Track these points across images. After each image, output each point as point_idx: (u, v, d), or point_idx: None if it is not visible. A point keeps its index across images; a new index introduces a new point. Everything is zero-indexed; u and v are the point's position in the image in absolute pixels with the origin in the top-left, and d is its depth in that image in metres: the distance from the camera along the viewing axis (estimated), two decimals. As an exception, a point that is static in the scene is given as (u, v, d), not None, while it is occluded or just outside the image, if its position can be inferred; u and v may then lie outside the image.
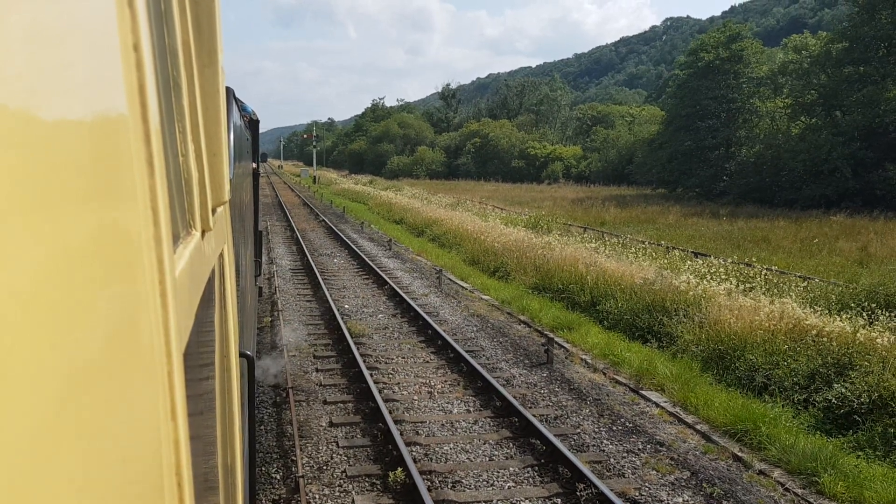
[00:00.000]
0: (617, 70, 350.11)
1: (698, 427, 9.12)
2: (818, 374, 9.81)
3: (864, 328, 10.58)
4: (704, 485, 7.56)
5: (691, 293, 13.30)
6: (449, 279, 19.42)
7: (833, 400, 9.12)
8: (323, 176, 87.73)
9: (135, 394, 0.77)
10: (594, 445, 8.62)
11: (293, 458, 8.07)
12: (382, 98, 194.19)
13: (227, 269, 2.55)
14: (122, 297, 0.74)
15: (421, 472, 7.54)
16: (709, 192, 50.38)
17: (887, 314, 11.18)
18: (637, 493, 7.38)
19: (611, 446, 8.59)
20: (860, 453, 8.13)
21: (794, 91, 47.44)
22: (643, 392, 10.41)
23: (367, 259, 22.04)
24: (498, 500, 7.21)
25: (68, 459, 0.53)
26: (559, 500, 7.22)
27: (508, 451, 8.38)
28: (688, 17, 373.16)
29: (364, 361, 11.39)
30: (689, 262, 17.54)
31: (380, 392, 10.02)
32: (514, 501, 7.20)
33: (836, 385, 9.33)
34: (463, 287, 18.61)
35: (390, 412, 9.24)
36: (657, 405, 9.91)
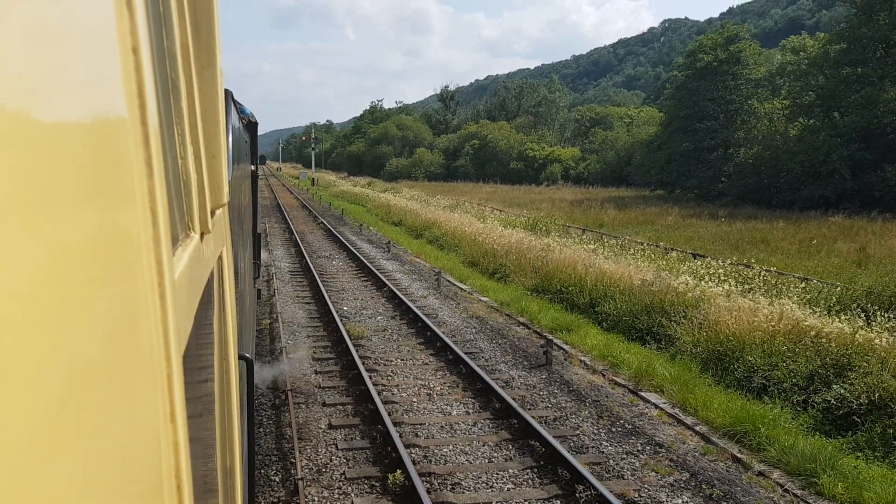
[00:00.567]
0: (615, 72, 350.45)
1: (697, 428, 9.12)
2: (817, 375, 9.81)
3: (862, 329, 10.58)
4: (704, 486, 7.56)
5: (690, 294, 13.31)
6: (448, 281, 19.41)
7: (832, 401, 9.12)
8: (321, 178, 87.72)
9: (134, 396, 0.77)
10: (593, 447, 8.62)
11: (292, 460, 8.07)
12: (381, 100, 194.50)
13: (225, 272, 2.55)
14: (121, 298, 0.74)
15: (420, 474, 7.53)
16: (707, 194, 50.43)
17: (886, 315, 11.19)
18: (636, 495, 7.38)
19: (610, 448, 8.59)
20: (859, 454, 8.13)
21: (793, 92, 47.49)
22: (642, 393, 10.41)
23: (365, 261, 22.03)
24: (497, 501, 7.20)
25: (67, 461, 0.53)
26: (558, 502, 7.21)
27: (508, 452, 8.38)
28: (686, 18, 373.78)
29: (363, 363, 11.39)
30: (687, 264, 17.55)
31: (379, 394, 10.01)
32: (513, 503, 7.20)
33: (835, 386, 9.33)
34: (462, 289, 18.61)
35: (389, 414, 9.24)
36: (656, 406, 9.91)
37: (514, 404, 9.41)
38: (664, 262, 18.09)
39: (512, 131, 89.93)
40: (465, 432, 8.99)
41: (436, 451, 8.41)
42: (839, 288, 14.72)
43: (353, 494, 7.35)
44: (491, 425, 9.20)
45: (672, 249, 22.09)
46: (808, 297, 14.04)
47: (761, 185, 44.89)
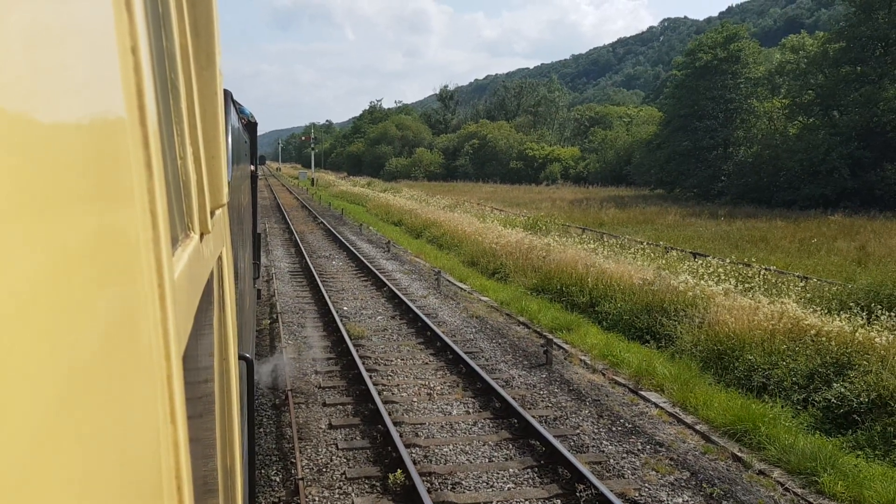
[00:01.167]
0: (614, 71, 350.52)
1: (698, 427, 9.12)
2: (817, 374, 9.81)
3: (862, 328, 10.58)
4: (704, 485, 7.56)
5: (690, 293, 13.31)
6: (448, 281, 19.41)
7: (832, 399, 9.12)
8: (321, 178, 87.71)
9: (134, 396, 0.77)
10: (594, 446, 8.62)
11: (293, 460, 8.07)
12: (380, 100, 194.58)
13: (225, 272, 2.55)
14: (120, 299, 0.74)
15: (420, 474, 7.53)
16: (707, 193, 50.43)
17: (886, 314, 11.19)
18: (637, 494, 7.38)
19: (610, 447, 8.59)
20: (859, 453, 8.13)
21: (792, 91, 47.52)
22: (642, 392, 10.41)
23: (365, 261, 22.03)
24: (497, 501, 7.20)
25: (67, 462, 0.53)
26: (559, 501, 7.21)
27: (508, 452, 8.38)
28: (685, 17, 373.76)
29: (363, 363, 11.39)
30: (687, 263, 17.56)
31: (379, 394, 10.01)
32: (513, 502, 7.20)
33: (835, 385, 9.33)
34: (462, 288, 18.61)
35: (389, 414, 9.24)
36: (656, 406, 9.91)
37: (515, 404, 9.41)
38: (664, 262, 18.09)
39: (511, 131, 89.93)
40: (465, 432, 8.99)
41: (436, 450, 8.42)
42: (839, 287, 14.72)
43: (353, 494, 7.35)
44: (491, 425, 9.20)
45: (672, 248, 22.09)
46: (808, 295, 14.05)
47: (761, 184, 44.90)
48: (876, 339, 9.94)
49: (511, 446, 8.52)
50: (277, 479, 7.70)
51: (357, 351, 12.09)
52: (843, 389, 9.11)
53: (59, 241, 0.55)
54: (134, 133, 0.84)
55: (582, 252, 18.83)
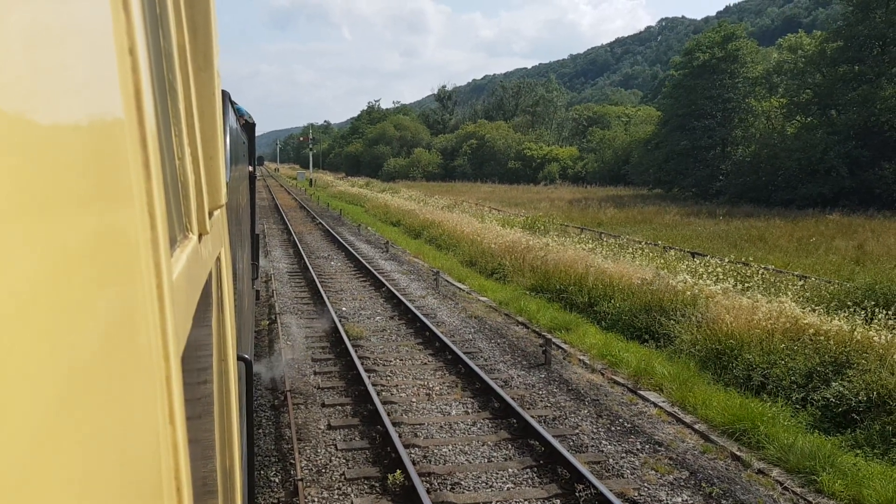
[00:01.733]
0: (612, 70, 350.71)
1: (697, 427, 9.12)
2: (816, 373, 9.82)
3: (861, 326, 10.59)
4: (703, 484, 7.56)
5: (689, 293, 13.32)
6: (446, 281, 19.41)
7: (831, 398, 9.13)
8: (319, 179, 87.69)
9: (133, 397, 0.77)
10: (593, 446, 8.62)
11: (292, 461, 8.06)
12: (378, 100, 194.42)
13: (224, 273, 2.54)
14: (119, 300, 0.74)
15: (420, 474, 7.53)
16: (705, 192, 50.48)
17: (885, 312, 11.20)
18: (636, 494, 7.39)
19: (609, 447, 8.60)
20: (858, 451, 8.13)
21: (790, 90, 47.58)
22: (641, 392, 10.42)
23: (364, 261, 22.03)
24: (497, 501, 7.20)
25: (66, 463, 0.53)
26: (558, 501, 7.22)
27: (507, 452, 8.38)
28: (683, 17, 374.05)
29: (362, 364, 11.39)
30: (686, 262, 17.57)
31: (378, 394, 10.01)
32: (513, 502, 7.20)
33: (833, 384, 9.33)
34: (460, 289, 18.61)
35: (388, 414, 9.24)
36: (655, 405, 9.92)
37: (514, 404, 9.41)
38: (662, 261, 18.10)
39: (510, 131, 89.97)
40: (464, 432, 8.99)
41: (435, 451, 8.41)
42: (837, 286, 14.74)
43: (352, 495, 7.35)
44: (490, 425, 9.20)
45: (670, 248, 22.11)
46: (807, 294, 14.06)
47: (759, 184, 44.95)
48: (874, 338, 9.95)
49: (510, 446, 8.52)
50: (277, 480, 7.70)
51: (356, 351, 12.09)
52: (841, 388, 9.12)
53: (57, 241, 0.55)
54: (132, 133, 0.84)
55: (580, 252, 18.83)
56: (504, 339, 13.52)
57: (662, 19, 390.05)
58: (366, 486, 7.55)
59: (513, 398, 9.83)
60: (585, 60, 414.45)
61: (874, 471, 7.57)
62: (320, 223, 35.46)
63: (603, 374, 11.30)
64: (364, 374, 10.66)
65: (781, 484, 7.58)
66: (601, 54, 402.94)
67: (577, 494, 7.15)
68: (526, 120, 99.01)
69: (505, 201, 48.11)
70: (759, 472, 7.87)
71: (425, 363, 11.93)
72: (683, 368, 10.90)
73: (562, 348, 12.68)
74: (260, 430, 8.97)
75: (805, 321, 11.02)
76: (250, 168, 10.41)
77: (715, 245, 24.98)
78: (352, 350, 11.95)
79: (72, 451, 0.55)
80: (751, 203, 43.61)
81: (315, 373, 11.34)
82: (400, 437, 8.52)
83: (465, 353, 12.09)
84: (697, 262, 17.52)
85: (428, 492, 7.18)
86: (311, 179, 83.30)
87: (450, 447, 8.50)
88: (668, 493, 7.40)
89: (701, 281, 14.12)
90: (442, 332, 13.37)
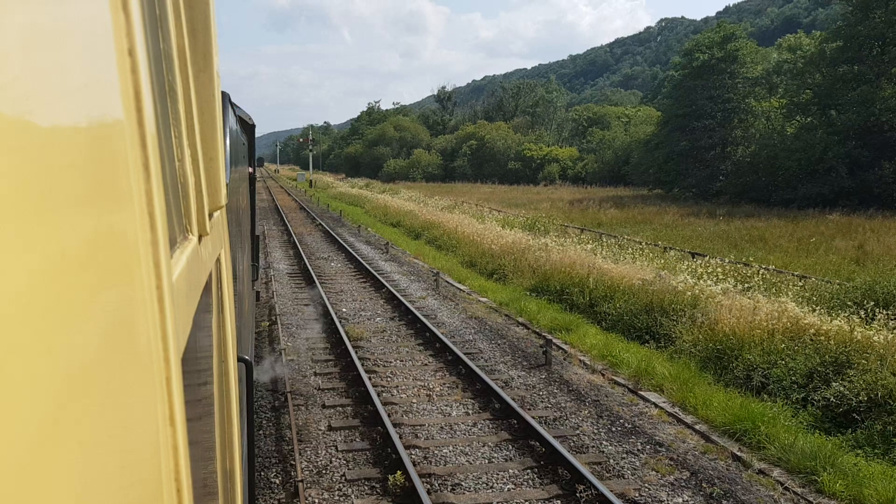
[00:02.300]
0: (612, 71, 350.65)
1: (697, 427, 9.12)
2: (816, 373, 9.82)
3: (861, 326, 10.59)
4: (704, 485, 7.56)
5: (689, 293, 13.32)
6: (446, 282, 19.41)
7: (831, 398, 9.13)
8: (319, 180, 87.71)
9: (133, 399, 0.77)
10: (593, 447, 8.62)
11: (292, 462, 8.06)
12: (378, 101, 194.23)
13: (224, 274, 2.54)
14: (119, 301, 0.74)
15: (420, 475, 7.53)
16: (705, 193, 50.46)
17: (885, 312, 11.19)
18: (637, 494, 7.38)
19: (610, 447, 8.59)
20: (859, 451, 8.13)
21: (789, 91, 47.56)
22: (642, 392, 10.41)
23: (364, 262, 22.02)
24: (497, 502, 7.20)
25: (66, 465, 0.53)
26: (559, 502, 7.21)
27: (508, 453, 8.38)
28: (682, 17, 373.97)
29: (362, 365, 11.39)
30: (686, 263, 17.56)
31: (378, 395, 10.01)
32: (513, 503, 7.19)
33: (834, 384, 9.33)
34: (460, 289, 18.61)
35: (389, 415, 9.23)
36: (656, 406, 9.91)
37: (514, 404, 9.41)
38: (662, 262, 18.10)
39: (509, 131, 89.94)
40: (464, 433, 8.99)
41: (436, 451, 8.41)
42: (837, 286, 14.74)
43: (353, 496, 7.34)
44: (491, 426, 9.19)
45: (670, 248, 22.11)
46: (807, 294, 14.06)
47: (759, 184, 44.93)
48: (875, 338, 9.95)
49: (511, 447, 8.52)
50: (277, 481, 7.69)
51: (356, 352, 12.08)
52: (842, 388, 9.12)
53: (57, 243, 0.55)
54: (132, 135, 0.84)
55: (581, 252, 18.83)
56: (504, 340, 13.51)
57: (662, 20, 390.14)
58: (366, 487, 7.54)
59: (513, 399, 9.83)
60: (585, 61, 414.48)
61: (875, 471, 7.57)
62: (320, 224, 35.46)
63: (603, 375, 11.30)
64: (364, 375, 10.66)
65: (782, 484, 7.57)
66: (601, 55, 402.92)
67: (577, 495, 7.15)
68: (526, 120, 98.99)
69: (505, 202, 48.12)
70: (760, 472, 7.87)
71: (426, 364, 11.93)
72: (684, 369, 10.89)
73: (562, 349, 12.67)
74: (260, 432, 8.97)
75: (805, 321, 11.02)
76: (250, 169, 10.41)
77: (715, 245, 24.97)
78: (352, 351, 11.95)
79: (72, 452, 0.55)
80: (751, 203, 43.59)
81: (315, 374, 11.34)
82: (400, 437, 8.52)
83: (465, 353, 12.08)
84: (698, 262, 17.51)
85: (428, 493, 7.18)
86: (311, 180, 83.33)
87: (450, 448, 8.49)
88: (668, 494, 7.40)
89: (701, 281, 14.12)
90: (442, 333, 13.37)
